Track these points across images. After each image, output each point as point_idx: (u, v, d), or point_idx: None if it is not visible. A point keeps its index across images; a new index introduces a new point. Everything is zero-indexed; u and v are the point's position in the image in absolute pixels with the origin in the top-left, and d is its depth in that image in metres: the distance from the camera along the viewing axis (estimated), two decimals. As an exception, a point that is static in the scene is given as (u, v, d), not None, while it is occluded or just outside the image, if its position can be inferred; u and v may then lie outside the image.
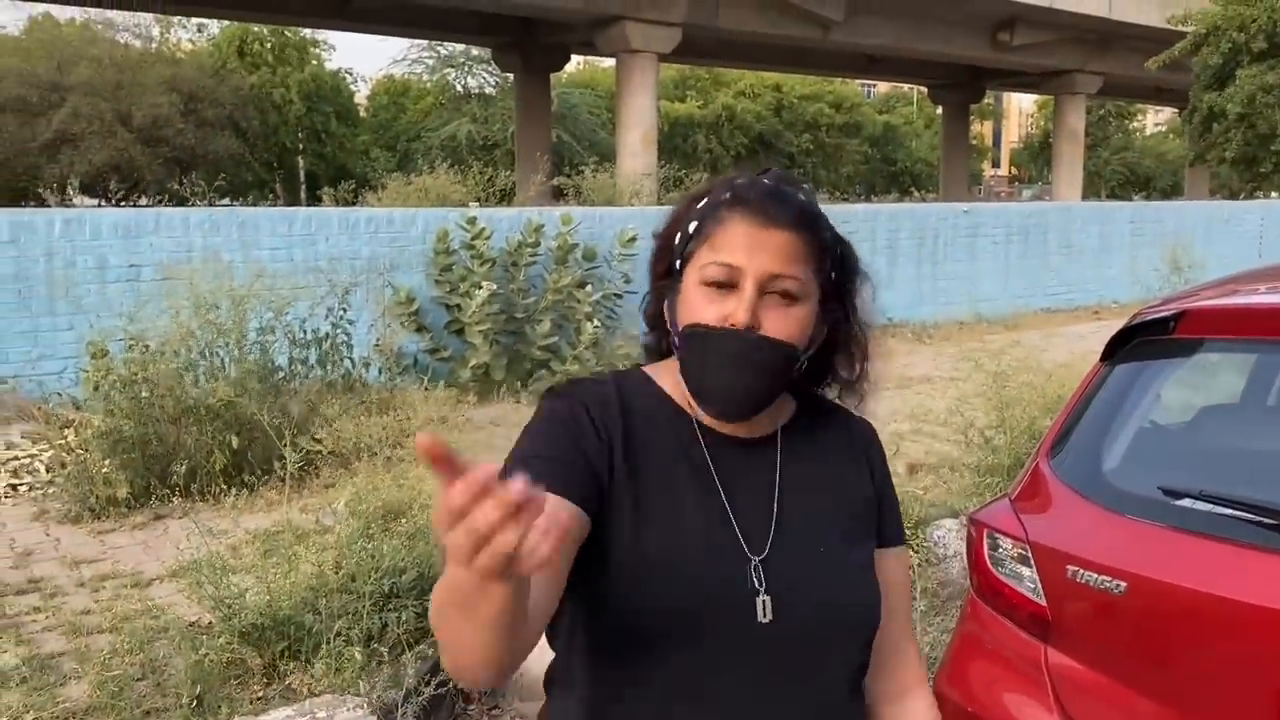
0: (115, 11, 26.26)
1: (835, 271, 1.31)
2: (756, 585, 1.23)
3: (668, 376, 1.34)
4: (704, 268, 1.24)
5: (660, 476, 1.25)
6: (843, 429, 1.41)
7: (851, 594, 1.29)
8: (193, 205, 11.73)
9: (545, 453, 1.21)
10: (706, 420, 1.30)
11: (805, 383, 1.40)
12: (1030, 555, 2.42)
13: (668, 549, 1.21)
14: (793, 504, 1.30)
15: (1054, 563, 2.35)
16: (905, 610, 1.45)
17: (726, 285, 1.22)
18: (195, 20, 32.58)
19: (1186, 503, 2.20)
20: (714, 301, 1.22)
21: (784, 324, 1.23)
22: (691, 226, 1.28)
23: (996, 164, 66.06)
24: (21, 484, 6.18)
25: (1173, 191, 44.90)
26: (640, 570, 1.20)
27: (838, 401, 1.44)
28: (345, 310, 7.67)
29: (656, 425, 1.29)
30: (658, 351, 1.41)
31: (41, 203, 16.25)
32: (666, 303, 1.32)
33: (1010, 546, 2.49)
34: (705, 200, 1.29)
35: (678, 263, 1.29)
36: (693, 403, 1.29)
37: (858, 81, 44.87)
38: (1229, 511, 2.11)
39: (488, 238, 9.01)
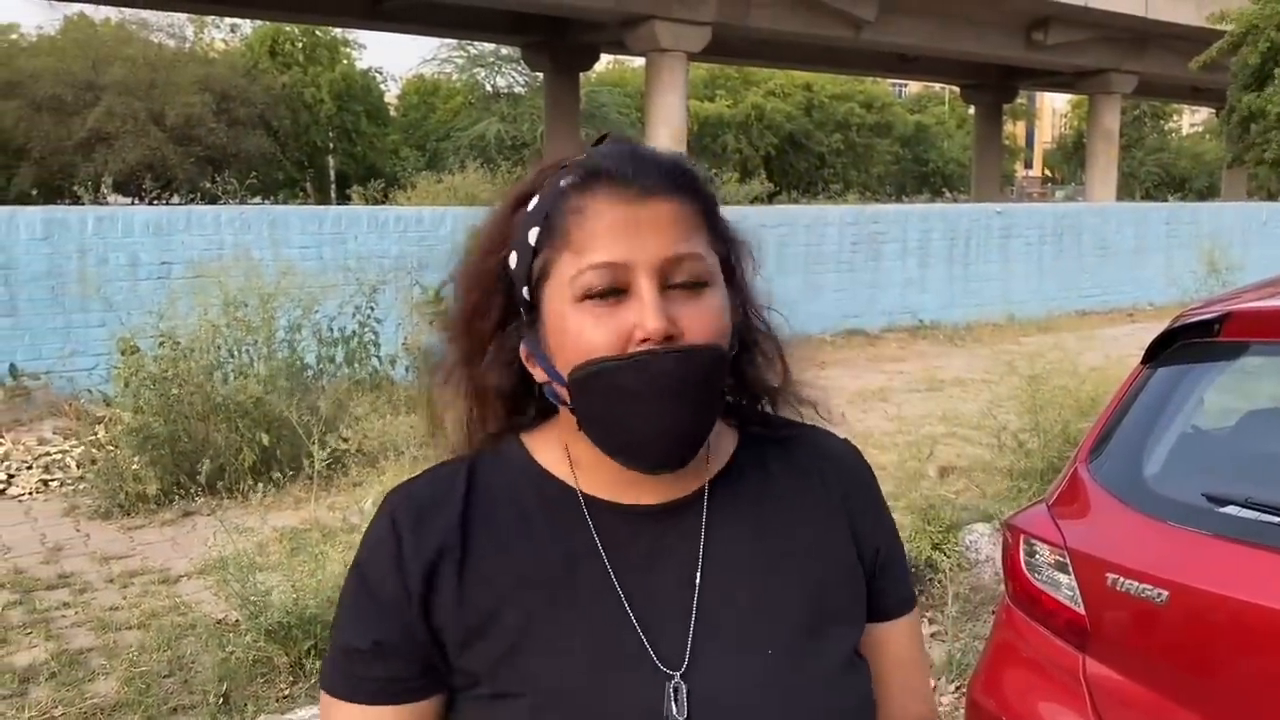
0: (149, 11, 26.54)
1: (725, 244, 0.99)
2: (675, 714, 0.90)
3: (549, 440, 1.00)
4: (573, 280, 0.89)
5: (530, 591, 0.93)
6: (808, 460, 1.05)
7: (818, 709, 0.94)
8: (224, 204, 11.82)
9: (353, 641, 0.94)
10: (599, 493, 0.97)
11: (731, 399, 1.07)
12: (1069, 562, 2.36)
13: (549, 690, 0.91)
14: (724, 591, 0.95)
15: (1093, 570, 2.29)
16: (920, 688, 1.12)
17: (612, 293, 0.89)
18: (229, 20, 32.87)
19: (1231, 510, 2.14)
20: (602, 319, 0.88)
21: (702, 319, 0.90)
22: (531, 235, 0.93)
23: (1029, 164, 65.52)
24: (53, 480, 6.23)
25: (1209, 193, 44.36)
26: None
27: (797, 419, 1.08)
28: (373, 309, 7.69)
29: (524, 519, 0.96)
30: (508, 425, 1.03)
31: (76, 201, 16.41)
32: (525, 349, 0.96)
33: (1048, 553, 2.43)
34: (534, 201, 0.94)
35: (524, 291, 0.94)
36: (577, 473, 0.97)
37: (889, 81, 44.63)
38: (1274, 519, 2.05)
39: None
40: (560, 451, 0.98)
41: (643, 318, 0.87)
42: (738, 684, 0.93)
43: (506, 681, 0.91)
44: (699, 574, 0.95)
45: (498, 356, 0.98)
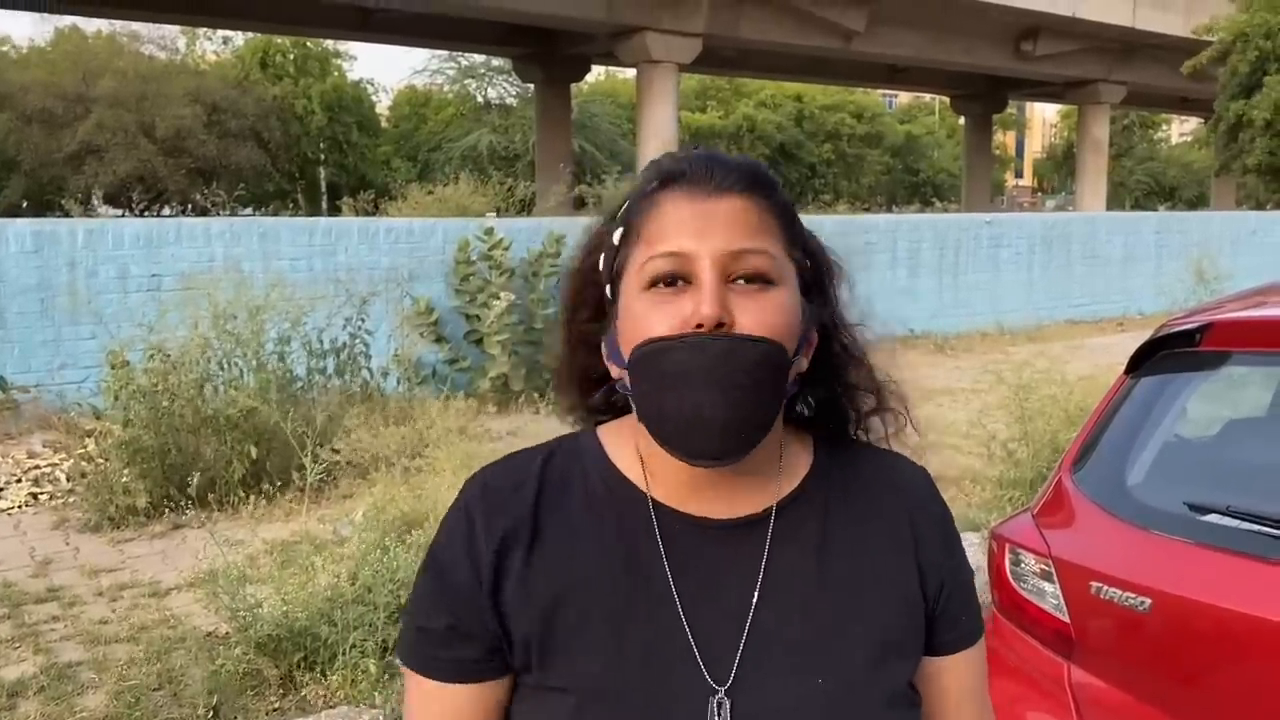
0: (141, 23, 26.54)
1: (810, 258, 1.02)
2: None
3: (624, 439, 1.02)
4: (643, 269, 0.94)
5: (589, 590, 0.95)
6: (879, 485, 1.05)
7: None
8: (214, 215, 11.81)
9: (427, 623, 0.97)
10: (668, 500, 0.98)
11: (817, 421, 1.08)
12: (1053, 571, 2.38)
13: (595, 690, 0.93)
14: (780, 615, 0.96)
15: (1077, 579, 2.31)
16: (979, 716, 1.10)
17: (677, 280, 0.92)
18: (221, 33, 32.86)
19: (1212, 518, 2.16)
20: (663, 305, 0.92)
21: (762, 314, 0.91)
22: (616, 236, 0.99)
23: (1020, 174, 65.74)
24: (42, 493, 6.21)
25: (1198, 202, 44.55)
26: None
27: (877, 442, 1.09)
28: (364, 320, 7.69)
29: (593, 516, 0.98)
30: (608, 411, 1.09)
31: (65, 213, 16.40)
32: (605, 351, 1.01)
33: (1033, 562, 2.45)
34: (626, 203, 1.01)
35: (608, 289, 1.00)
36: (649, 477, 0.99)
37: (879, 92, 44.79)
38: (1256, 527, 2.07)
39: (506, 248, 9.02)
40: (633, 452, 1.01)
41: (699, 303, 0.90)
42: (781, 706, 0.93)
43: (555, 675, 0.94)
44: (756, 595, 0.96)
45: (587, 343, 1.05)
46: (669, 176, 0.97)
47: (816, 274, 1.03)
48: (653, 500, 0.98)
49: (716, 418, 0.90)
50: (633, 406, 0.96)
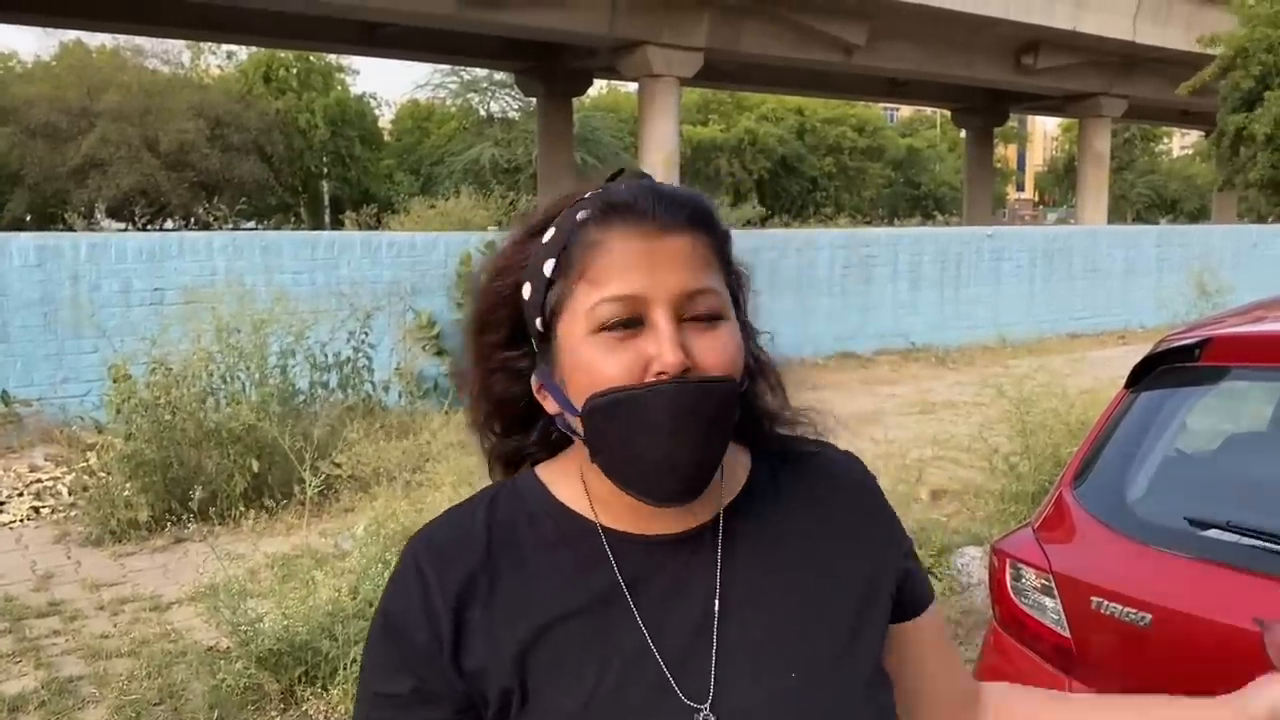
0: (145, 38, 26.68)
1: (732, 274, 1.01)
2: None
3: (566, 474, 1.00)
4: (592, 311, 0.90)
5: (555, 631, 0.93)
6: (817, 476, 1.07)
7: None
8: (217, 229, 11.84)
9: (388, 688, 0.94)
10: (618, 525, 0.97)
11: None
12: (1054, 586, 2.38)
13: None
14: (744, 619, 0.96)
15: (1078, 594, 2.31)
16: (958, 664, 1.16)
17: (628, 324, 0.89)
18: (225, 47, 33.00)
19: (1213, 533, 2.16)
20: (616, 351, 0.89)
21: (718, 353, 0.91)
22: (547, 268, 0.93)
23: (1021, 187, 65.83)
24: (44, 506, 6.22)
25: (1200, 215, 44.61)
26: None
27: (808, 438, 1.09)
28: (366, 334, 7.71)
29: (546, 555, 0.96)
30: (521, 455, 1.06)
31: (69, 227, 16.45)
32: (536, 381, 0.98)
33: (1033, 577, 2.45)
34: (550, 233, 0.95)
35: (537, 322, 0.95)
36: (596, 505, 0.98)
37: (880, 105, 44.89)
38: (1256, 542, 2.07)
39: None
40: (578, 485, 0.99)
41: (660, 350, 0.88)
42: (766, 712, 0.93)
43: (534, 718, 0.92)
44: (716, 603, 0.96)
45: (505, 369, 1.00)
46: (608, 207, 0.92)
47: (737, 292, 1.02)
48: (604, 529, 0.97)
49: (688, 462, 0.90)
50: (586, 450, 0.93)
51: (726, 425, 0.92)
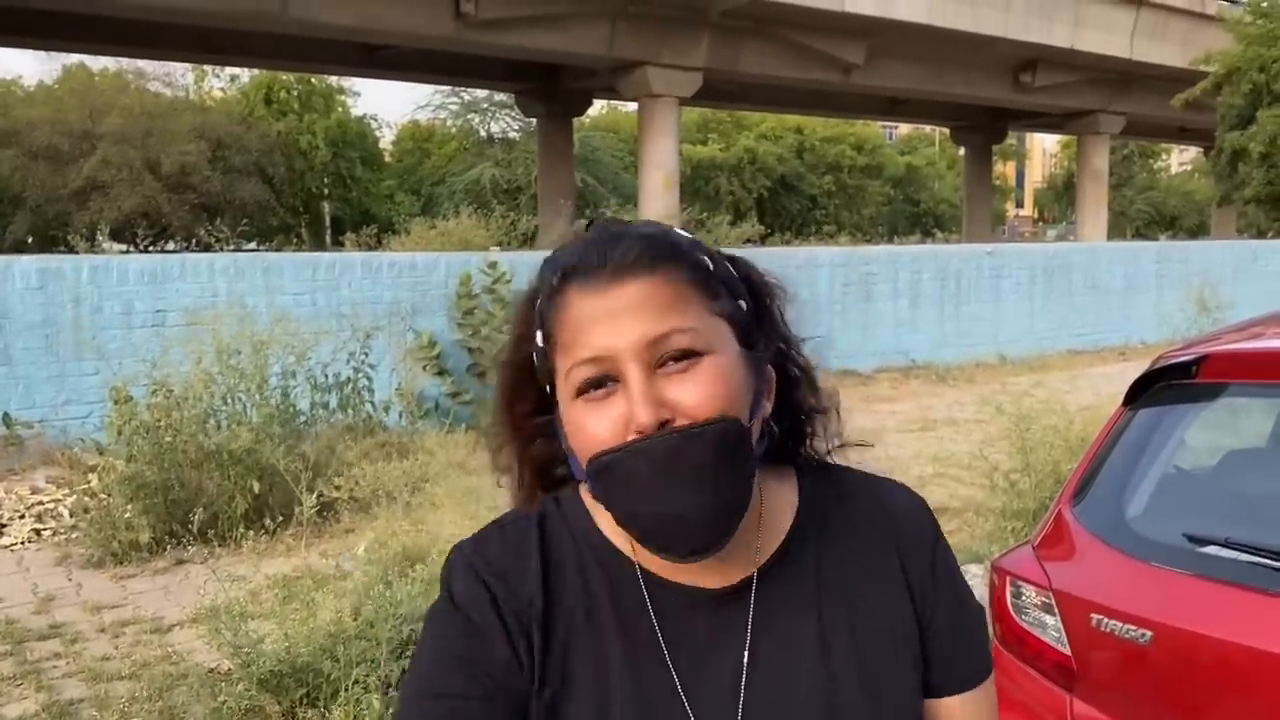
0: (147, 61, 26.81)
1: (742, 298, 0.96)
2: None
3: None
4: (568, 378, 0.90)
5: (592, 678, 0.92)
6: (868, 517, 1.02)
7: None
8: (219, 251, 11.86)
9: (445, 689, 0.90)
10: (658, 569, 0.95)
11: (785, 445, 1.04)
12: (1054, 603, 2.38)
13: None
14: (775, 680, 0.94)
15: (1078, 611, 2.31)
16: None
17: (604, 382, 0.89)
18: (228, 70, 33.17)
19: (1212, 550, 2.17)
20: (597, 412, 0.88)
21: (699, 390, 0.87)
22: (539, 338, 0.94)
23: (1020, 204, 65.96)
24: (45, 529, 6.21)
25: (1199, 231, 44.68)
26: None
27: (854, 468, 1.05)
28: (367, 355, 7.72)
29: (588, 592, 0.95)
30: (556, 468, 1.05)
31: (70, 249, 16.52)
32: (562, 441, 0.96)
33: (1034, 594, 2.45)
34: (540, 297, 0.95)
35: (548, 388, 0.96)
36: (635, 546, 0.95)
37: (879, 123, 45.03)
38: (1255, 559, 2.07)
39: (508, 281, 9.07)
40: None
41: (632, 409, 0.86)
42: None
43: None
44: (744, 665, 0.93)
45: (542, 434, 1.00)
46: (566, 271, 0.91)
47: (756, 307, 0.98)
48: (642, 572, 0.95)
49: (688, 517, 0.86)
50: None
51: (729, 468, 0.88)
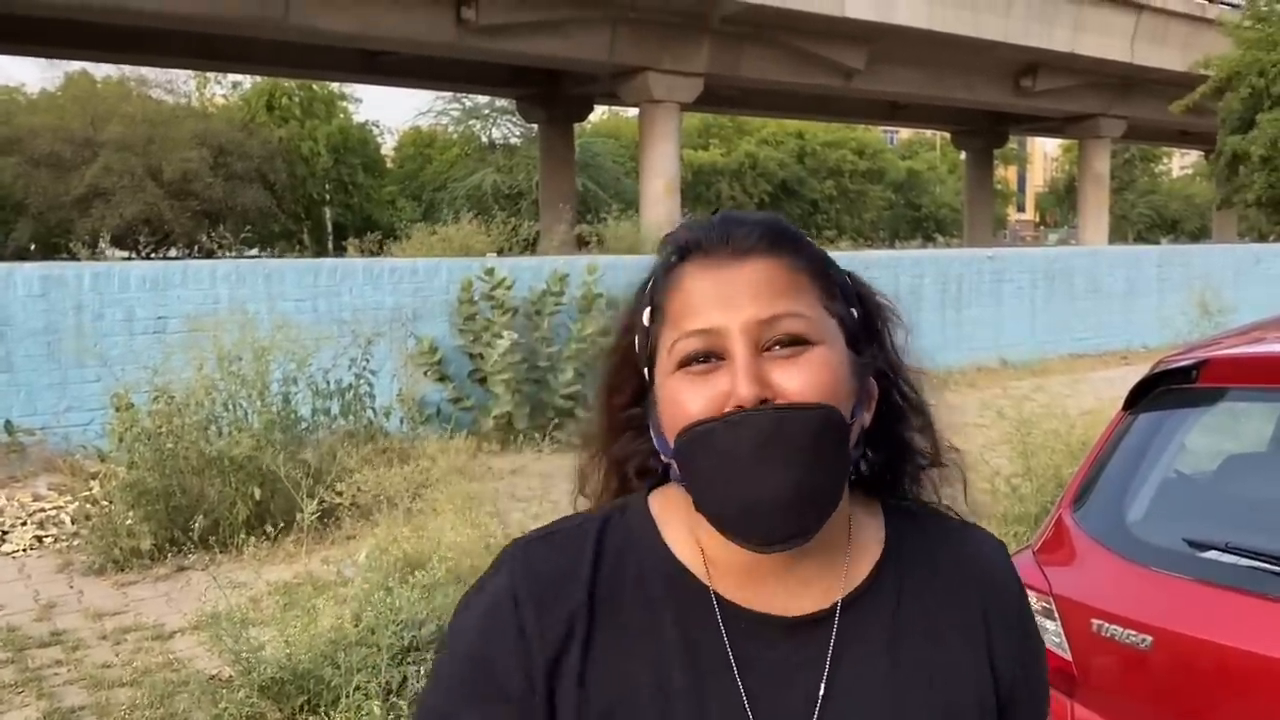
0: (149, 68, 26.88)
1: (854, 306, 0.95)
2: None
3: (679, 515, 0.95)
4: (672, 351, 0.89)
5: (650, 699, 0.88)
6: (953, 565, 0.98)
7: None
8: (220, 257, 11.88)
9: (451, 708, 0.90)
10: (730, 594, 0.92)
11: (876, 480, 1.02)
12: (1054, 608, 2.38)
13: None
14: (848, 712, 0.91)
15: (1078, 616, 2.31)
16: None
17: (708, 357, 0.87)
18: (231, 77, 33.21)
19: (1212, 555, 2.16)
20: (698, 386, 0.87)
21: (804, 377, 0.86)
22: (645, 316, 0.94)
23: (1021, 208, 65.96)
24: (47, 536, 6.21)
25: (1201, 234, 44.69)
26: None
27: (946, 509, 1.02)
28: (368, 360, 7.72)
29: (650, 609, 0.91)
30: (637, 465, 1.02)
31: (73, 256, 16.55)
32: (650, 426, 0.95)
33: (1034, 600, 2.45)
34: (649, 282, 0.96)
35: (645, 371, 0.95)
36: (709, 567, 0.92)
37: (880, 128, 45.07)
38: (1255, 564, 2.07)
39: (508, 287, 9.08)
40: (687, 532, 0.94)
41: (735, 383, 0.85)
42: None
43: None
44: (819, 699, 0.90)
45: (630, 427, 0.99)
46: (685, 248, 0.92)
47: (866, 320, 0.97)
48: (716, 596, 0.91)
49: (776, 498, 0.84)
50: (690, 496, 0.89)
51: (823, 457, 0.86)
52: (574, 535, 0.95)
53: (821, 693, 0.90)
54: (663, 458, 0.93)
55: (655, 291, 0.93)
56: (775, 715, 0.89)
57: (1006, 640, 0.97)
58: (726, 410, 0.85)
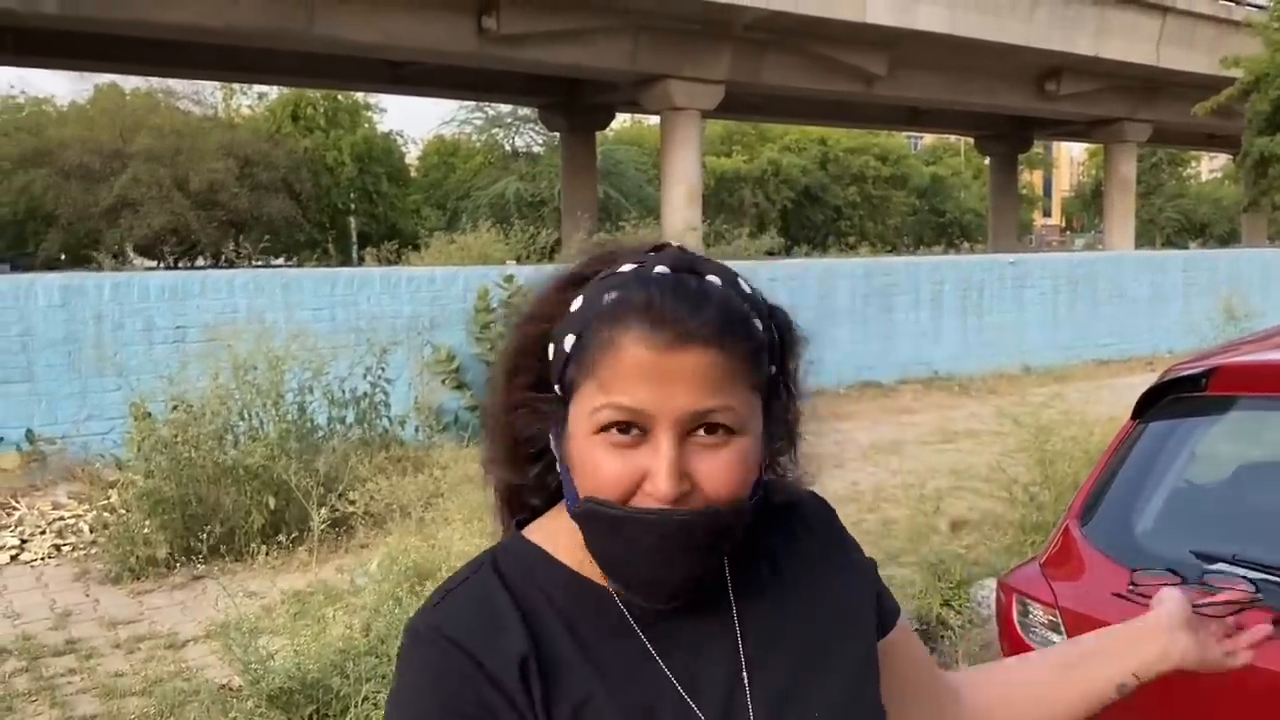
0: (177, 80, 27.16)
1: (775, 363, 0.94)
2: None
3: (562, 538, 0.95)
4: (594, 414, 0.86)
5: (598, 702, 0.90)
6: (791, 515, 1.05)
7: None
8: (242, 267, 11.96)
9: None
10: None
11: None
12: (1060, 621, 2.34)
13: None
14: (767, 666, 0.96)
15: (1085, 629, 2.27)
16: (930, 665, 1.19)
17: (631, 429, 0.86)
18: (257, 88, 33.55)
19: (1220, 567, 2.11)
20: (615, 456, 0.86)
21: (723, 474, 0.87)
22: (567, 342, 0.90)
23: (1048, 213, 65.57)
24: (65, 544, 6.26)
25: (1230, 238, 44.24)
26: None
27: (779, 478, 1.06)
28: (384, 369, 7.74)
29: (569, 625, 0.92)
30: (528, 492, 1.02)
31: (98, 266, 16.73)
32: (553, 433, 0.94)
33: (1040, 612, 2.41)
34: (581, 300, 0.91)
35: (556, 386, 0.92)
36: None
37: (903, 133, 44.92)
38: (1265, 576, 2.02)
39: (526, 295, 9.08)
40: (576, 547, 0.93)
41: (655, 476, 0.85)
42: None
43: None
44: (741, 652, 0.95)
45: (530, 407, 0.96)
46: (627, 306, 0.86)
47: (784, 369, 0.97)
48: (616, 594, 0.93)
49: (671, 579, 0.88)
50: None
51: (721, 548, 0.90)
52: (473, 584, 0.94)
53: (741, 646, 0.95)
54: (571, 491, 0.92)
55: (585, 331, 0.88)
56: (709, 690, 0.93)
57: (850, 554, 1.08)
58: (640, 495, 0.86)
